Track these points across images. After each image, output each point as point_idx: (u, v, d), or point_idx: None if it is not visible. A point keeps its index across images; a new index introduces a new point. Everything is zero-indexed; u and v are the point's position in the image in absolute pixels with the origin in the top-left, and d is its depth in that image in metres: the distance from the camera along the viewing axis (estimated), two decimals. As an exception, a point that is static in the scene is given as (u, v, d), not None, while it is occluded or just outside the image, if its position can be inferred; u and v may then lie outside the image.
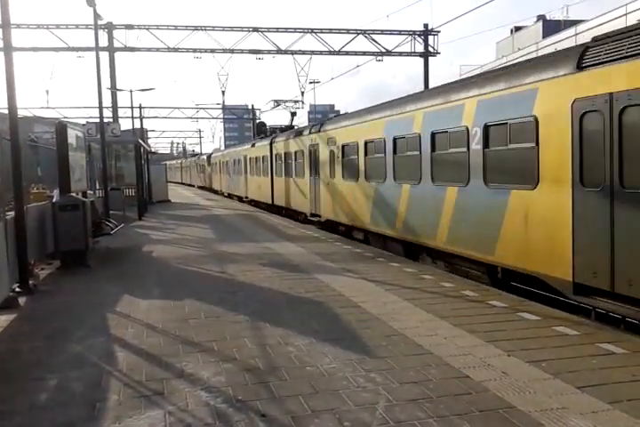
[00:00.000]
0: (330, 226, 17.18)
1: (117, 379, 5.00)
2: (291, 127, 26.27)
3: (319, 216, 17.90)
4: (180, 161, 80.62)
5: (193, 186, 60.96)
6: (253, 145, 29.13)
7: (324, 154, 16.99)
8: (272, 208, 24.87)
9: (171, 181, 73.67)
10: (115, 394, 4.64)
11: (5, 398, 4.66)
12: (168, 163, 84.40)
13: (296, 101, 28.53)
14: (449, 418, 4.07)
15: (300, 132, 20.36)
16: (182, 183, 71.05)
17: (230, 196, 38.20)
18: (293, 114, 28.16)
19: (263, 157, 26.49)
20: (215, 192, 44.50)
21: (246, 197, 31.00)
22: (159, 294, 8.48)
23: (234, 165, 34.96)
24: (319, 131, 17.65)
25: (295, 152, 20.70)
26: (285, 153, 22.27)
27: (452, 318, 6.67)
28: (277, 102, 28.73)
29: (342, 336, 6.07)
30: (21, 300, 8.16)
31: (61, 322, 6.98)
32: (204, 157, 53.77)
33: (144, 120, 48.29)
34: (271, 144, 24.71)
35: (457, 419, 4.05)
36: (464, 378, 4.81)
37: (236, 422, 4.08)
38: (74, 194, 11.74)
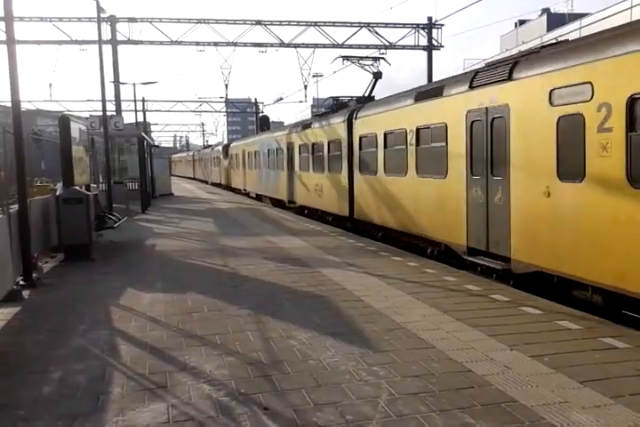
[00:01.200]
0: (534, 281, 8.16)
1: (121, 372, 5.02)
2: (370, 98, 16.87)
3: (500, 260, 8.68)
4: (190, 153, 70.47)
5: (206, 182, 51.39)
6: (307, 126, 19.53)
7: (534, 129, 7.94)
8: (348, 223, 15.90)
9: (181, 176, 69.79)
10: (118, 387, 4.66)
11: (9, 390, 4.68)
12: (177, 155, 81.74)
13: (376, 58, 17.98)
14: (451, 412, 4.08)
15: (435, 91, 10.93)
16: (194, 179, 61.81)
17: (259, 197, 28.80)
18: (377, 75, 17.43)
19: (331, 144, 16.85)
20: (238, 192, 34.64)
21: (291, 202, 21.88)
22: (162, 287, 8.50)
23: (269, 156, 25.79)
24: (509, 77, 8.51)
25: (417, 131, 11.35)
26: (389, 134, 12.73)
27: (455, 312, 6.67)
28: (348, 60, 18.32)
29: (345, 330, 6.08)
30: (25, 293, 8.19)
31: (65, 315, 7.00)
32: (219, 147, 44.75)
33: (147, 113, 48.32)
34: (351, 121, 15.22)
35: (459, 413, 4.06)
36: (466, 372, 4.81)
37: (239, 415, 4.09)
38: (77, 187, 11.77)
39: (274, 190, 25.00)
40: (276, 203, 24.76)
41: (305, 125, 20.17)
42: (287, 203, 22.35)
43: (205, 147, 62.68)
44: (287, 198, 22.40)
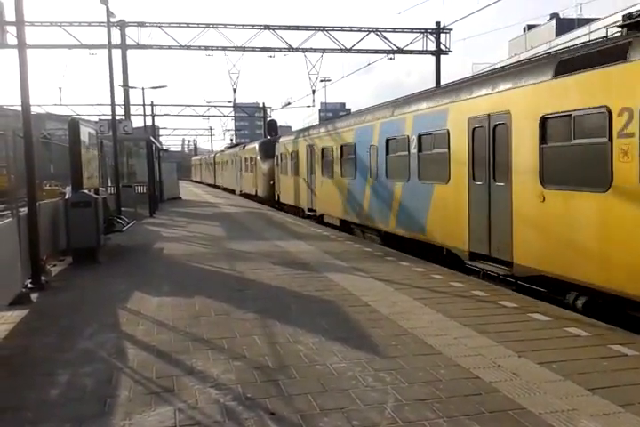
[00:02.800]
0: None
1: (128, 375, 5.02)
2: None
3: None
4: (213, 155, 56.53)
5: (233, 192, 39.74)
6: (572, 65, 7.20)
7: None
8: None
9: (202, 183, 63.02)
10: (125, 390, 4.67)
11: (16, 393, 4.70)
12: (198, 158, 79.27)
13: None
14: (458, 418, 4.05)
15: None
16: (217, 187, 49.81)
17: (344, 225, 16.45)
18: None
19: None
20: (291, 210, 22.87)
21: (475, 256, 9.46)
22: (169, 291, 8.51)
23: (388, 152, 13.07)
24: None
25: None
26: None
27: (462, 318, 6.64)
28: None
29: (351, 335, 6.07)
30: (33, 296, 8.23)
31: (73, 318, 7.02)
32: (255, 145, 32.12)
33: (156, 118, 48.53)
34: None
35: (466, 420, 4.04)
36: (474, 379, 4.79)
37: (246, 420, 4.09)
38: (86, 191, 11.81)
39: (405, 221, 12.28)
40: (392, 239, 13.19)
41: (567, 61, 7.57)
42: (445, 252, 10.70)
43: (231, 146, 48.71)
44: (467, 247, 9.76)
